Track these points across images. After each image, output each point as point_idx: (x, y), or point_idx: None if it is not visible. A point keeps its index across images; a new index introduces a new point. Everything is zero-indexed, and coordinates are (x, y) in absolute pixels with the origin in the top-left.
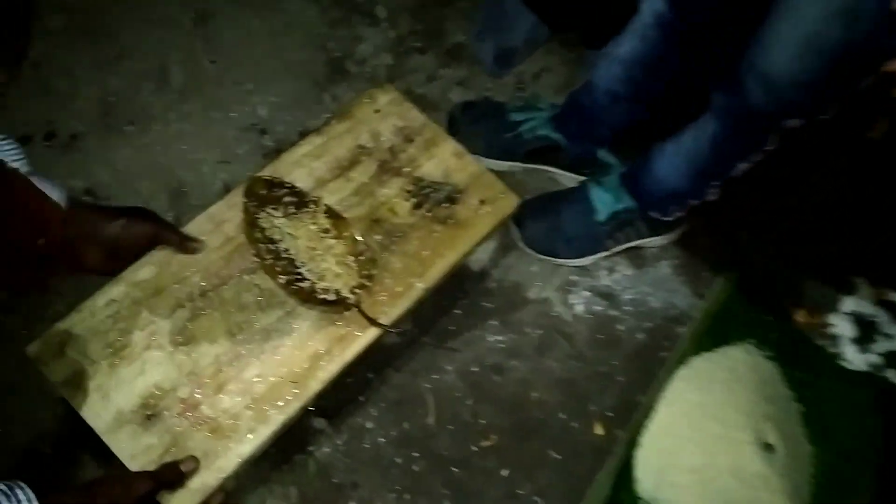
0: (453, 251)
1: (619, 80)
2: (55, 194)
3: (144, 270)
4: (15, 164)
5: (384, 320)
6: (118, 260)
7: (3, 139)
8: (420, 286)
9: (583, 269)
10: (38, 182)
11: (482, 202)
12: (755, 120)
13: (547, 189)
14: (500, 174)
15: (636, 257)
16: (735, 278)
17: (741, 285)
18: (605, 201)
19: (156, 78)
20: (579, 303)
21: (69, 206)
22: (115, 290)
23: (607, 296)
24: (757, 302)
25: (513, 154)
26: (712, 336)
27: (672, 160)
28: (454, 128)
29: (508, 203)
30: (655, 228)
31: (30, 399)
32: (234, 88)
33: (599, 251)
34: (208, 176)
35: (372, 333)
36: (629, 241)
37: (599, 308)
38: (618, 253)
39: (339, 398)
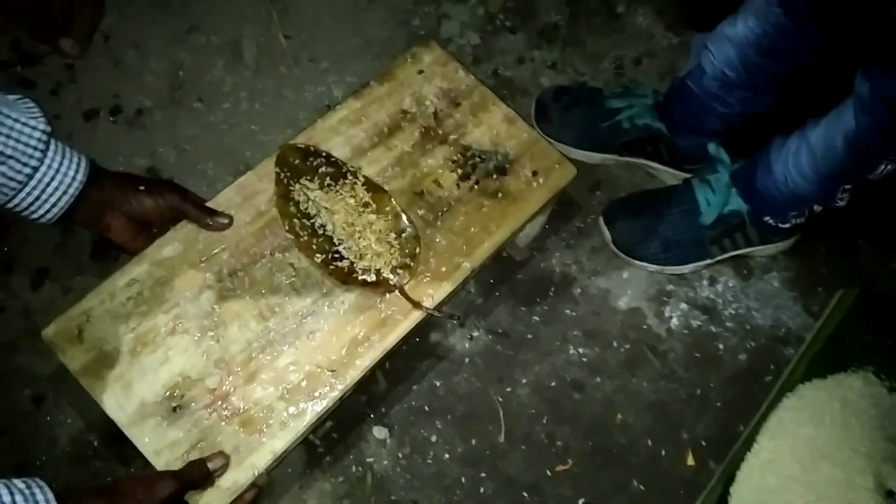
0: (503, 228)
1: (732, 64)
2: (78, 161)
3: (169, 248)
4: (33, 122)
5: (428, 303)
6: (144, 233)
7: (19, 98)
8: (467, 266)
9: (681, 278)
10: (58, 147)
11: (535, 173)
12: None
13: (644, 187)
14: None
15: (742, 267)
16: (855, 295)
17: (862, 303)
18: (712, 202)
19: (228, 53)
20: (675, 316)
21: (95, 173)
22: (137, 270)
23: (707, 309)
24: (880, 323)
25: (608, 146)
26: (826, 361)
27: (797, 158)
28: (544, 115)
29: (565, 174)
30: (767, 236)
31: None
32: (309, 66)
33: (702, 259)
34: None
35: (415, 317)
36: (737, 248)
37: (698, 323)
38: (722, 261)
39: (402, 406)
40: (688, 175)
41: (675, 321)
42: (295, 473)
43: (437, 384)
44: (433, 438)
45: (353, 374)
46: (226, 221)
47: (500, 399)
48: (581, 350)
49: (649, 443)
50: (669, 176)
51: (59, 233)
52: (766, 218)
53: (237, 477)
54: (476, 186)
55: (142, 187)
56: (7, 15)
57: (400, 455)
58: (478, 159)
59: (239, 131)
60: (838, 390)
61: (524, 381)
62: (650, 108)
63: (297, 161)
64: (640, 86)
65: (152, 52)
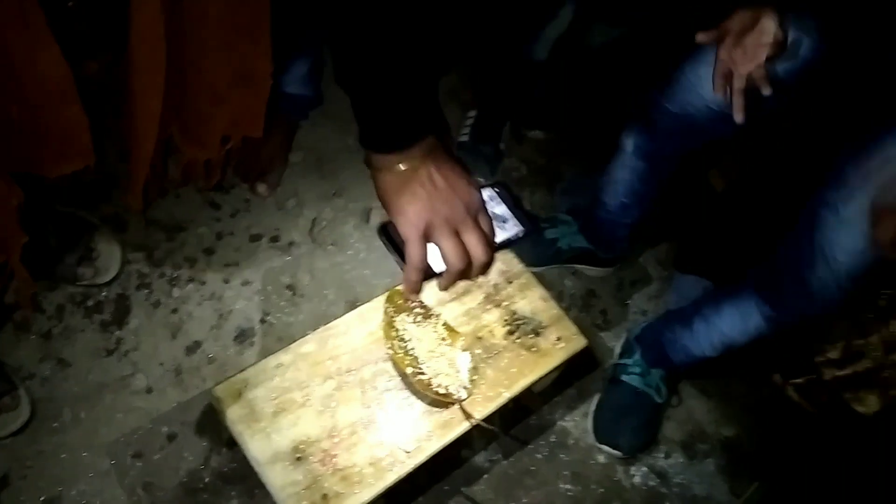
0: (534, 372)
1: (623, 195)
2: None
3: (307, 346)
4: None
5: (477, 416)
6: None
7: None
8: (506, 395)
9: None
10: None
11: (559, 339)
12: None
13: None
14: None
15: (689, 448)
16: (765, 488)
17: (766, 497)
18: (657, 386)
19: (358, 216)
20: (638, 475)
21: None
22: (284, 357)
23: (661, 475)
24: None
25: (555, 261)
26: None
27: (701, 338)
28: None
29: (579, 342)
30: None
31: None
32: None
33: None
34: (377, 296)
35: (467, 425)
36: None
37: (653, 483)
38: (675, 442)
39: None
40: (610, 268)
41: (637, 478)
42: None
43: (446, 488)
44: None
45: (421, 457)
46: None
47: None
48: (568, 486)
49: None
50: (599, 272)
51: None
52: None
53: None
54: (518, 340)
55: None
56: (233, 165)
57: None
58: (521, 322)
59: (356, 273)
60: None
61: (524, 500)
62: (578, 232)
63: (400, 301)
64: (561, 215)
65: (306, 204)
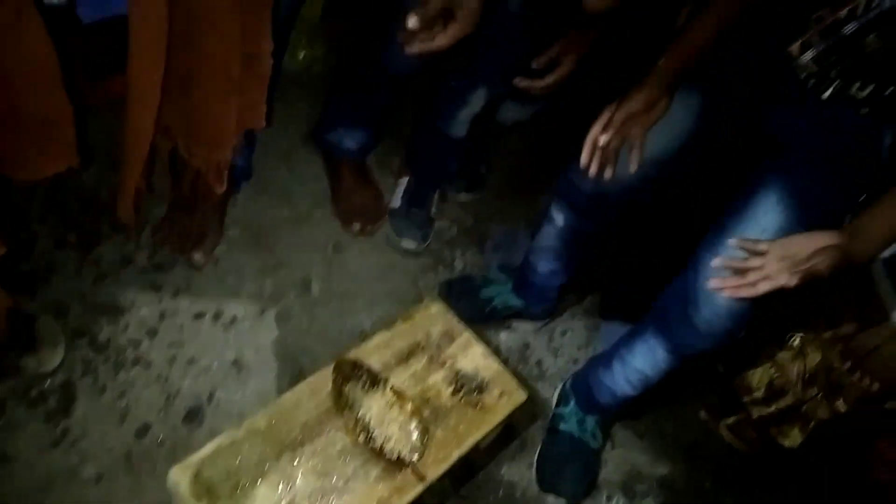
0: (481, 429)
1: (553, 261)
2: None
3: (259, 421)
4: None
5: (430, 476)
6: None
7: None
8: (456, 454)
9: None
10: None
11: (501, 394)
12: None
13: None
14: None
15: (629, 490)
16: None
17: None
18: (593, 431)
19: (300, 287)
20: None
21: None
22: (236, 434)
23: None
24: None
25: (491, 318)
26: None
27: (620, 377)
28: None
29: (520, 396)
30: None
31: None
32: (352, 302)
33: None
34: (322, 365)
35: (422, 486)
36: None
37: None
38: (615, 484)
39: None
40: (542, 321)
41: None
42: None
43: None
44: None
45: None
46: None
47: None
48: None
49: None
50: (530, 325)
51: None
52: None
53: None
54: (463, 399)
55: None
56: (161, 233)
57: None
58: (465, 380)
59: (300, 344)
60: None
61: None
62: (511, 291)
63: (348, 370)
64: (497, 274)
65: (247, 278)
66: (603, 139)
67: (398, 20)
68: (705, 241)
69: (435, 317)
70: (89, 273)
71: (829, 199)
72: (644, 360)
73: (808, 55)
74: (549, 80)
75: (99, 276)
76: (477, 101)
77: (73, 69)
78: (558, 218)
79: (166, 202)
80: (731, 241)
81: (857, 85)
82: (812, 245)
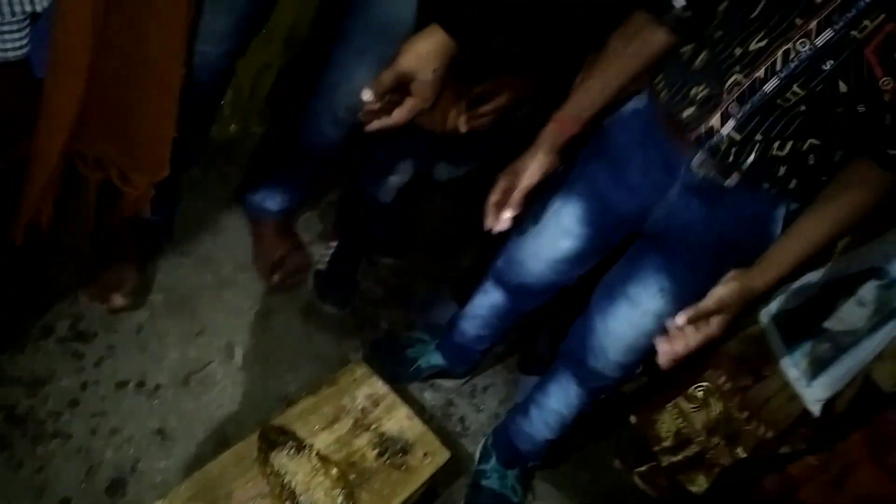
0: (406, 490)
1: (481, 328)
2: None
3: (185, 491)
4: None
5: None
6: None
7: None
8: None
9: None
10: None
11: (426, 454)
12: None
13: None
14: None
15: None
16: None
17: None
18: (513, 486)
19: (223, 352)
20: None
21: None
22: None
23: None
24: None
25: (415, 378)
26: None
27: (538, 422)
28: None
29: (443, 455)
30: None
31: None
32: (275, 366)
33: None
34: (247, 432)
35: None
36: None
37: None
38: None
39: None
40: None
41: None
42: None
43: None
44: None
45: None
46: None
47: None
48: None
49: None
50: (453, 383)
51: None
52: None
53: None
54: (388, 461)
55: None
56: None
57: None
58: (390, 442)
59: (224, 411)
60: None
61: None
62: (435, 350)
63: (273, 436)
64: (424, 335)
65: (170, 345)
66: (506, 216)
67: (319, 96)
68: (600, 292)
69: (359, 380)
70: (7, 344)
71: (714, 282)
72: (558, 399)
73: (730, 125)
74: (489, 107)
75: (18, 348)
76: (404, 170)
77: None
78: (491, 293)
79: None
80: (679, 321)
81: (778, 144)
82: (735, 296)
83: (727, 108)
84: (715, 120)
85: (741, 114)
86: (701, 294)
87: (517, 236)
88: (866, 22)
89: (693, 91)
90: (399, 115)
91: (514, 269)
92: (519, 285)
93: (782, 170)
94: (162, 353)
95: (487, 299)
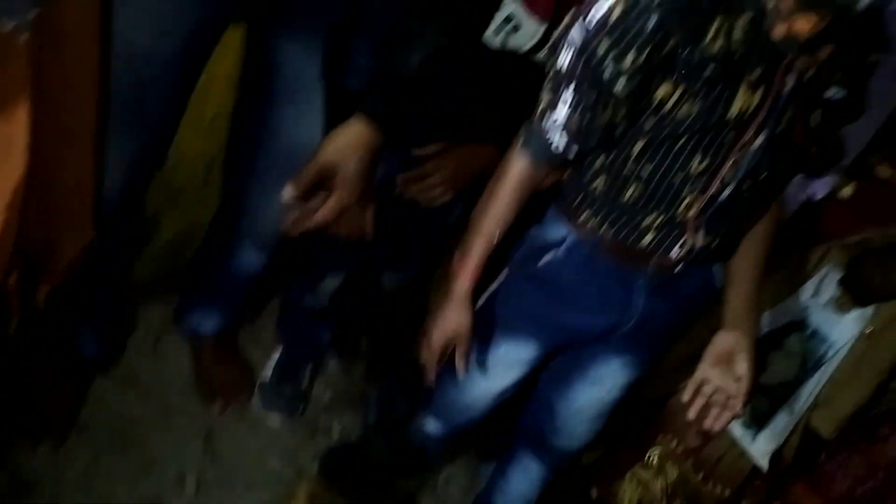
0: None
1: (442, 427)
2: None
3: None
4: None
5: None
6: None
7: None
8: None
9: None
10: None
11: None
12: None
13: None
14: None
15: None
16: None
17: None
18: None
19: (173, 483)
20: None
21: None
22: None
23: None
24: None
25: (375, 482)
26: None
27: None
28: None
29: None
30: None
31: None
32: (230, 491)
33: None
34: None
35: None
36: None
37: None
38: None
39: None
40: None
41: None
42: None
43: None
44: None
45: None
46: None
47: None
48: None
49: None
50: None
51: None
52: None
53: None
54: None
55: None
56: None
57: None
58: None
59: None
60: None
61: None
62: (393, 451)
63: None
64: (379, 436)
65: (119, 482)
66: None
67: (236, 228)
68: (554, 376)
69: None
70: None
71: (672, 345)
72: (520, 481)
73: (701, 235)
74: (433, 167)
75: None
76: (334, 276)
77: None
78: (431, 423)
79: None
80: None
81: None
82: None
83: (694, 222)
84: (689, 237)
85: (708, 222)
86: (662, 353)
87: (459, 380)
88: (788, 113)
89: (645, 221)
90: (323, 213)
91: (458, 412)
92: (465, 422)
93: (726, 241)
94: (110, 491)
95: (428, 428)
